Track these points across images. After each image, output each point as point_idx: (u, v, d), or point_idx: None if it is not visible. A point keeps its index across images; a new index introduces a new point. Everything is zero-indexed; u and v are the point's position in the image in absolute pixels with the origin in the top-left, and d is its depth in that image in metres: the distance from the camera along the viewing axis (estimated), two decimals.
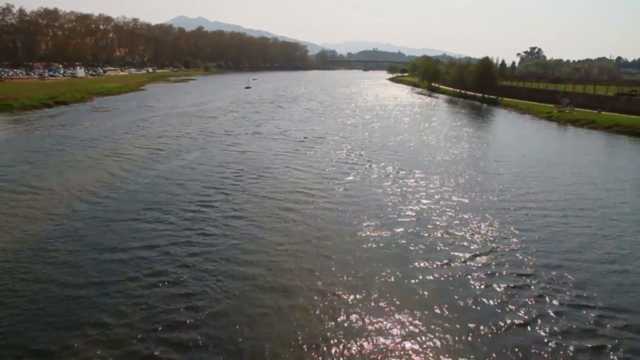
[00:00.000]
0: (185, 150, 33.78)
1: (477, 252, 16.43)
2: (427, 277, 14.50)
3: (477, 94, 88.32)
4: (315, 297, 13.09)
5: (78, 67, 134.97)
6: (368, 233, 17.95)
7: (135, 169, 27.41)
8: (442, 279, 14.48)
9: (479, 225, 19.22)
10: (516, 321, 12.16)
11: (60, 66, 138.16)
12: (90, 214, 19.48)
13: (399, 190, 24.28)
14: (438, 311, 12.53)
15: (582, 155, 37.32)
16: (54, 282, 13.68)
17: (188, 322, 11.79)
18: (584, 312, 12.68)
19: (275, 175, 26.60)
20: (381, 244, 16.97)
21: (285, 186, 24.33)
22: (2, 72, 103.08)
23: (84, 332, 11.25)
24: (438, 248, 16.80)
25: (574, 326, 12.00)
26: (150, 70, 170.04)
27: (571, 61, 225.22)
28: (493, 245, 17.17)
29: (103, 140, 36.81)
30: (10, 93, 63.51)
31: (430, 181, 26.14)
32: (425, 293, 13.51)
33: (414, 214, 20.45)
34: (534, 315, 12.44)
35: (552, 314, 12.57)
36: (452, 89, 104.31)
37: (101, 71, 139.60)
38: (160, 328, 11.50)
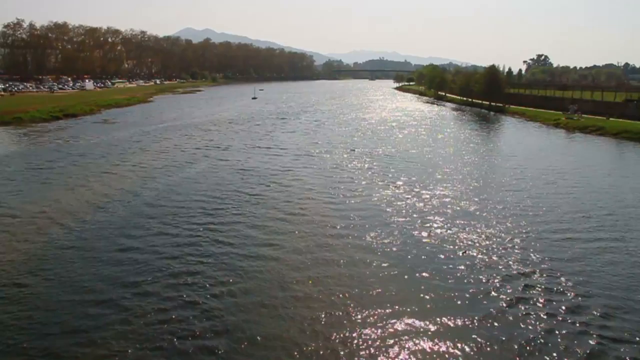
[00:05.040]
0: (182, 166, 31.68)
1: (511, 284, 14.69)
2: (458, 315, 12.75)
3: (484, 102, 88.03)
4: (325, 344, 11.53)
5: (87, 80, 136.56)
6: (385, 265, 16.00)
7: (126, 189, 25.45)
8: (473, 315, 12.81)
9: (508, 251, 17.28)
10: None
11: (70, 79, 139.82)
12: (68, 243, 17.53)
13: (414, 206, 23.32)
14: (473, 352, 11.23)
15: (601, 165, 35.84)
16: (19, 330, 11.83)
17: None
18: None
19: (275, 194, 25.05)
20: (400, 273, 15.29)
21: (284, 207, 22.39)
22: (13, 86, 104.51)
23: None
24: (466, 278, 15.04)
25: None
26: (158, 81, 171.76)
27: (578, 68, 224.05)
28: (527, 276, 15.28)
29: (103, 155, 35.74)
30: (21, 106, 64.35)
31: (450, 199, 24.15)
32: (460, 336, 11.88)
33: (435, 235, 18.82)
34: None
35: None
36: (459, 97, 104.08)
37: (109, 83, 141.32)
38: None
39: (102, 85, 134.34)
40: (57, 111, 63.13)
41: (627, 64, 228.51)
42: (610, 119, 57.38)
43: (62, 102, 73.84)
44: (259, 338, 11.71)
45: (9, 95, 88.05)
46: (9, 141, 43.05)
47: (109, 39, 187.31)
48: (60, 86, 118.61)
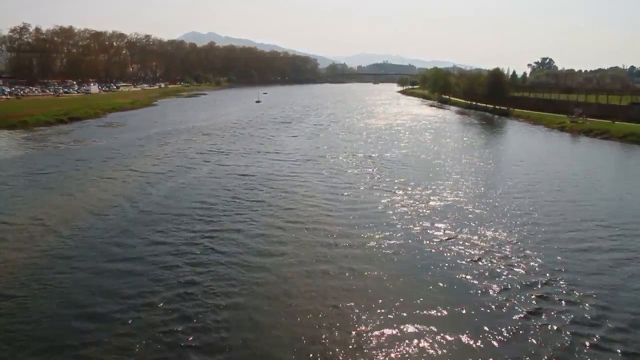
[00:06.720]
0: (183, 172, 31.42)
1: (520, 293, 14.39)
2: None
3: (488, 105, 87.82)
4: None
5: (91, 84, 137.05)
6: (387, 269, 15.75)
7: (126, 195, 25.22)
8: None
9: (516, 259, 16.96)
10: None
11: (74, 83, 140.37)
12: (62, 252, 16.97)
13: (419, 212, 23.21)
14: None
15: (608, 170, 35.54)
16: (5, 344, 11.34)
17: None
18: None
19: (277, 200, 24.91)
20: (404, 280, 15.02)
21: (286, 213, 21.98)
22: (19, 90, 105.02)
23: None
24: (471, 285, 14.82)
25: None
26: (162, 85, 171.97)
27: (583, 71, 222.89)
28: (537, 284, 14.92)
29: (105, 159, 35.61)
30: (26, 110, 64.72)
31: (456, 204, 23.92)
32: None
33: (441, 242, 18.60)
34: None
35: None
36: (462, 100, 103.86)
37: (114, 87, 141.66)
38: None
39: (107, 88, 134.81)
40: (62, 114, 63.47)
41: (632, 67, 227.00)
42: (616, 122, 57.06)
43: (67, 105, 74.14)
44: (258, 349, 11.56)
45: (15, 99, 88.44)
46: (14, 145, 43.17)
47: (114, 43, 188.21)
48: (65, 90, 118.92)
